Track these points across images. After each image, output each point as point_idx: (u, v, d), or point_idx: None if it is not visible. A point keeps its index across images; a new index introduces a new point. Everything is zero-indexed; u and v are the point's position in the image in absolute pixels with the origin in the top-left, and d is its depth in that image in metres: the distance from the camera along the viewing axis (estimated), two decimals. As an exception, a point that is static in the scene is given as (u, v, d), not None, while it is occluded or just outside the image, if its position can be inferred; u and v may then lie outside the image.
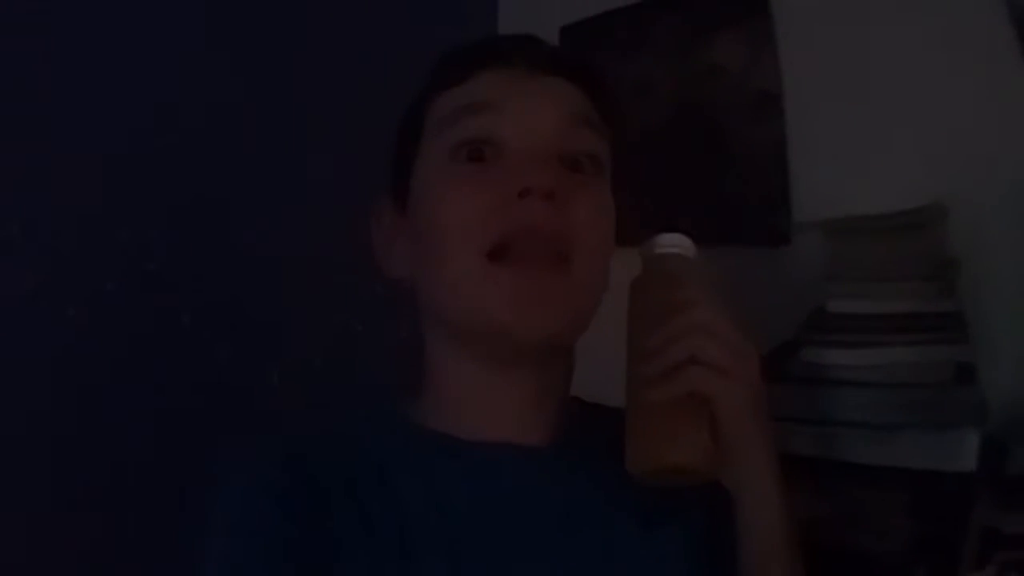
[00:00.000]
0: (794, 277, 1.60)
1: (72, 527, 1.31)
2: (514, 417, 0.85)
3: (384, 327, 1.65)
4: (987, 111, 1.45)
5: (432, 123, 0.85)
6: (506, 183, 0.78)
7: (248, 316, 1.58)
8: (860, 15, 1.57)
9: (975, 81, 1.46)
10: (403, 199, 0.89)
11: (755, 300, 1.63)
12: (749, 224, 1.69)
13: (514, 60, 0.84)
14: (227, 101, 1.56)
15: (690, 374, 0.73)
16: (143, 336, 1.44)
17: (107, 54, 1.41)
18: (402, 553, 0.76)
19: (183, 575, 0.81)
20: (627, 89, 1.80)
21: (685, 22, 1.76)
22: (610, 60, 1.81)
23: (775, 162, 1.66)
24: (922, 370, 1.32)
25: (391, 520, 0.78)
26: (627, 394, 0.78)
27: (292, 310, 1.63)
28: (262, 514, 0.76)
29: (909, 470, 1.25)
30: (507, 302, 0.77)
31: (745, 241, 1.67)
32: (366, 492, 0.79)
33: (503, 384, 0.85)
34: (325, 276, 1.66)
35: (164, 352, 1.47)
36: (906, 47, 1.53)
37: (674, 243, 0.82)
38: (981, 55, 1.46)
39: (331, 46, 1.73)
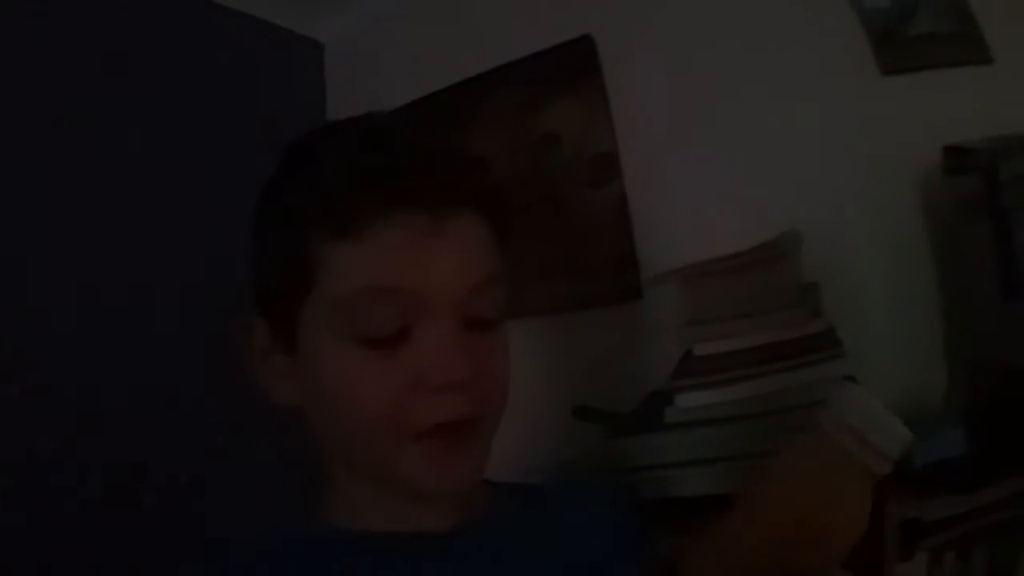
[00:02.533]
0: (653, 329, 1.60)
1: None
2: (426, 513, 0.84)
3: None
4: (833, 136, 1.58)
5: (329, 283, 0.76)
6: (423, 373, 0.75)
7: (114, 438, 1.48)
8: (695, 62, 1.68)
9: (821, 107, 1.59)
10: (286, 341, 0.80)
11: (618, 356, 1.64)
12: (601, 285, 1.71)
13: (418, 203, 0.75)
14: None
15: None
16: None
17: None
18: None
19: None
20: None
21: (517, 93, 1.81)
22: (446, 138, 1.79)
23: (618, 221, 1.71)
24: (803, 392, 1.36)
25: None
26: None
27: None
28: None
29: None
30: (426, 473, 0.76)
31: (599, 303, 1.68)
32: None
33: (412, 504, 0.83)
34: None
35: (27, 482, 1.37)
36: (744, 85, 1.64)
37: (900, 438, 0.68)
38: (822, 82, 1.59)
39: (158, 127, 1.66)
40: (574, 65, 1.76)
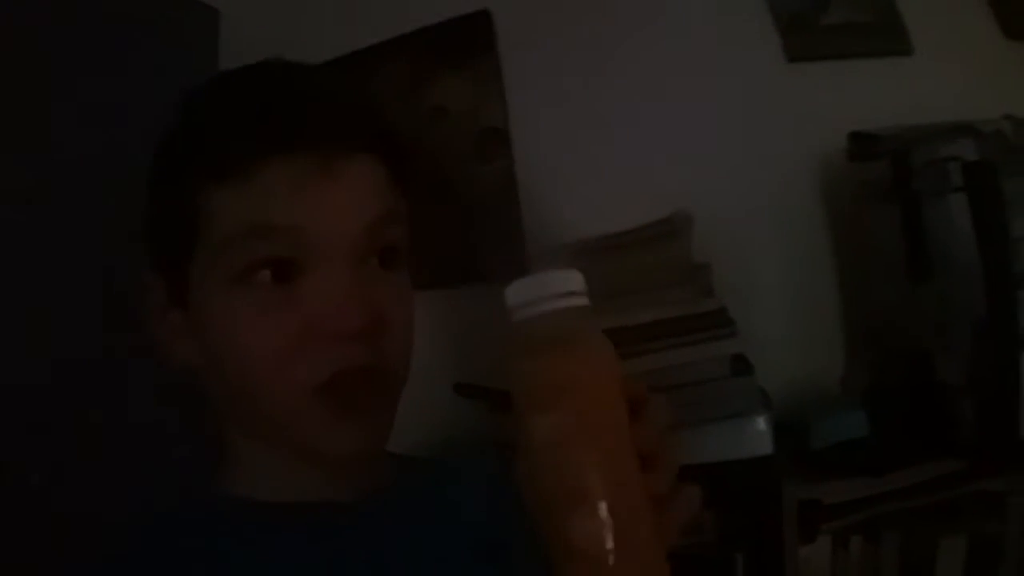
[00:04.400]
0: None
1: None
2: (325, 482, 0.78)
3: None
4: (733, 119, 1.56)
5: (212, 228, 0.72)
6: (314, 321, 0.70)
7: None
8: (595, 40, 1.64)
9: (722, 89, 1.57)
10: (181, 297, 0.76)
11: (501, 334, 1.56)
12: (486, 261, 1.66)
13: (303, 143, 0.71)
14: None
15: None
16: None
17: None
18: None
19: None
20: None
21: (407, 66, 1.73)
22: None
23: (505, 198, 1.66)
24: (696, 368, 1.34)
25: None
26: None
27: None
28: None
29: (705, 465, 1.23)
30: (322, 433, 0.71)
31: (485, 278, 1.60)
32: None
33: (311, 471, 0.78)
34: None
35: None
36: (645, 65, 1.60)
37: (569, 286, 0.57)
38: (726, 63, 1.58)
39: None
40: (469, 39, 1.70)
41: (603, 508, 0.51)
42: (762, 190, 1.53)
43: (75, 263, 1.50)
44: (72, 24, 1.60)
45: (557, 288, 0.56)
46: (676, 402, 1.21)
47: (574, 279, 0.57)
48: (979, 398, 1.20)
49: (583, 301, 0.57)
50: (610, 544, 0.51)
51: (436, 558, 0.78)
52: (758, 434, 1.29)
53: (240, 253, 0.70)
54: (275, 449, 0.76)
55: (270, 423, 0.73)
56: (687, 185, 1.53)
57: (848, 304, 1.51)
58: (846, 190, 1.48)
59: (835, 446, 1.32)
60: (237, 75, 0.76)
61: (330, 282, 0.70)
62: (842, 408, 1.37)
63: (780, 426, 1.32)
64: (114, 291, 1.38)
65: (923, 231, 1.28)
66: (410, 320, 0.77)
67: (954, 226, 1.21)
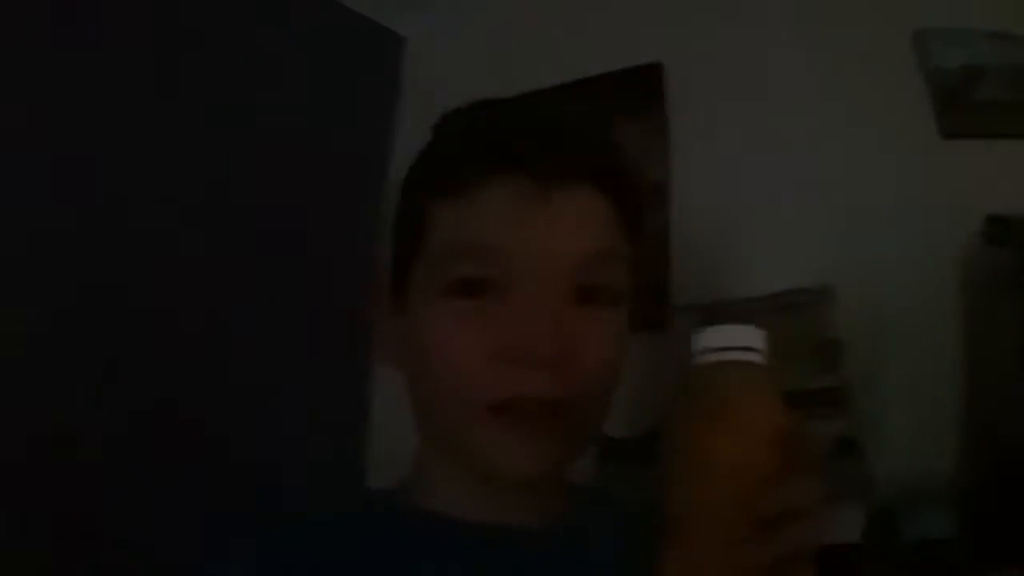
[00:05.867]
0: (673, 361, 1.59)
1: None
2: (506, 504, 0.78)
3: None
4: (885, 194, 1.55)
5: (431, 241, 0.75)
6: (508, 338, 0.70)
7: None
8: (760, 103, 1.67)
9: (876, 163, 1.57)
10: (402, 302, 0.79)
11: (634, 384, 1.64)
12: (631, 311, 1.69)
13: (527, 167, 0.71)
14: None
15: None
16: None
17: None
18: None
19: None
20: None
21: (586, 108, 1.81)
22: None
23: (657, 251, 1.70)
24: None
25: None
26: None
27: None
28: None
29: None
30: (496, 452, 0.72)
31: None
32: None
33: (492, 491, 0.78)
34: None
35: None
36: (805, 133, 1.63)
37: (749, 341, 0.59)
38: (881, 138, 1.58)
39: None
40: (640, 90, 1.78)
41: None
42: (906, 270, 1.51)
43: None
44: (259, 49, 1.78)
45: (735, 341, 0.58)
46: None
47: (754, 336, 0.59)
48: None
49: (757, 358, 0.58)
50: None
51: None
52: (849, 521, 1.30)
53: (449, 267, 0.72)
54: (452, 460, 0.78)
55: (447, 435, 0.76)
56: (833, 257, 1.55)
57: (972, 397, 1.47)
58: (984, 276, 1.45)
59: (925, 542, 1.31)
60: (487, 103, 0.80)
61: (527, 307, 0.70)
62: (936, 504, 1.35)
63: (879, 515, 1.32)
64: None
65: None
66: (613, 360, 0.76)
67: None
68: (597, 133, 0.82)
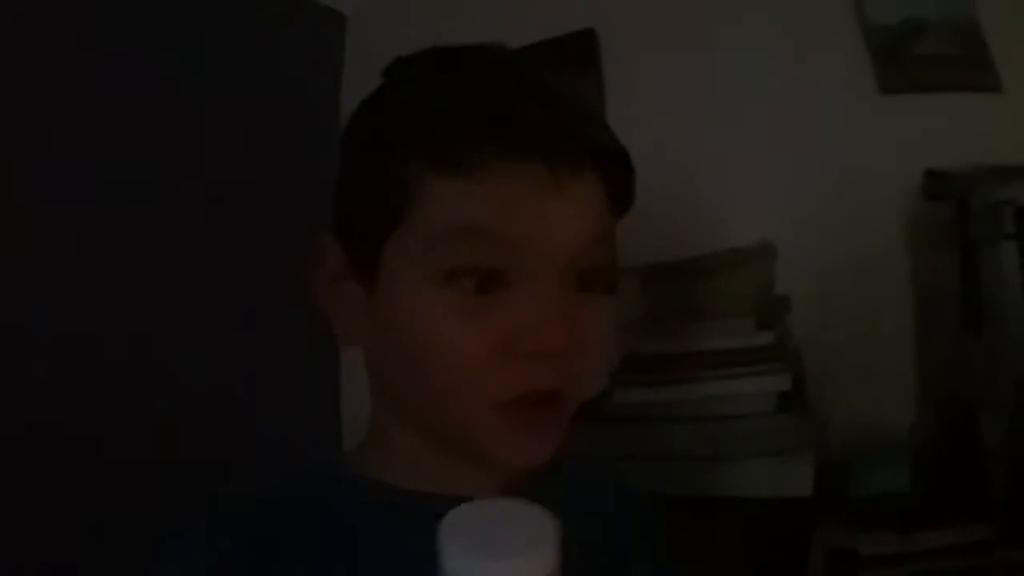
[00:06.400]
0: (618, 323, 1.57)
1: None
2: (466, 478, 0.74)
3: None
4: (824, 150, 1.54)
5: (423, 217, 0.68)
6: (514, 335, 0.67)
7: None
8: (695, 64, 1.65)
9: (817, 119, 1.55)
10: (368, 277, 0.73)
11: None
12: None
13: (538, 153, 0.66)
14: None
15: None
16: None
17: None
18: None
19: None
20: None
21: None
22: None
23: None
24: (740, 401, 1.33)
25: None
26: None
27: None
28: None
29: (741, 500, 1.25)
30: (502, 444, 0.69)
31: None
32: (320, 562, 0.70)
33: (457, 466, 0.74)
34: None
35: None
36: (741, 91, 1.60)
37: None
38: (830, 93, 1.55)
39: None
40: (574, 57, 1.74)
41: None
42: (845, 225, 1.49)
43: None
44: (201, 27, 1.74)
45: None
46: (712, 433, 1.24)
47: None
48: (1013, 463, 1.14)
49: None
50: None
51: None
52: (798, 475, 1.27)
53: (451, 253, 0.67)
54: (428, 442, 0.75)
55: (439, 424, 0.72)
56: (778, 213, 1.53)
57: (921, 351, 1.44)
58: (924, 230, 1.43)
59: (878, 496, 1.27)
60: (469, 56, 0.73)
61: (538, 299, 0.67)
62: (891, 459, 1.32)
63: (832, 468, 1.29)
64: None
65: (978, 280, 1.22)
66: (600, 345, 0.74)
67: (1004, 276, 1.16)
68: (597, 113, 0.77)
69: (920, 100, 1.50)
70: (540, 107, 0.68)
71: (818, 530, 1.23)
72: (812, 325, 1.46)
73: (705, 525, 1.26)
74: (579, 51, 1.74)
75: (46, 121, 1.43)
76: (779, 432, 1.29)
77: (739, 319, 1.38)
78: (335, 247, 0.74)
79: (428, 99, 0.70)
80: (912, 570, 1.21)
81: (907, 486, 1.29)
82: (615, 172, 0.72)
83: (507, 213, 0.66)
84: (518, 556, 0.48)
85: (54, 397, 1.41)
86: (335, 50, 2.05)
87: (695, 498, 1.29)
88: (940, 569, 1.20)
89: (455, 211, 0.66)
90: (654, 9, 1.71)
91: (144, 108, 1.61)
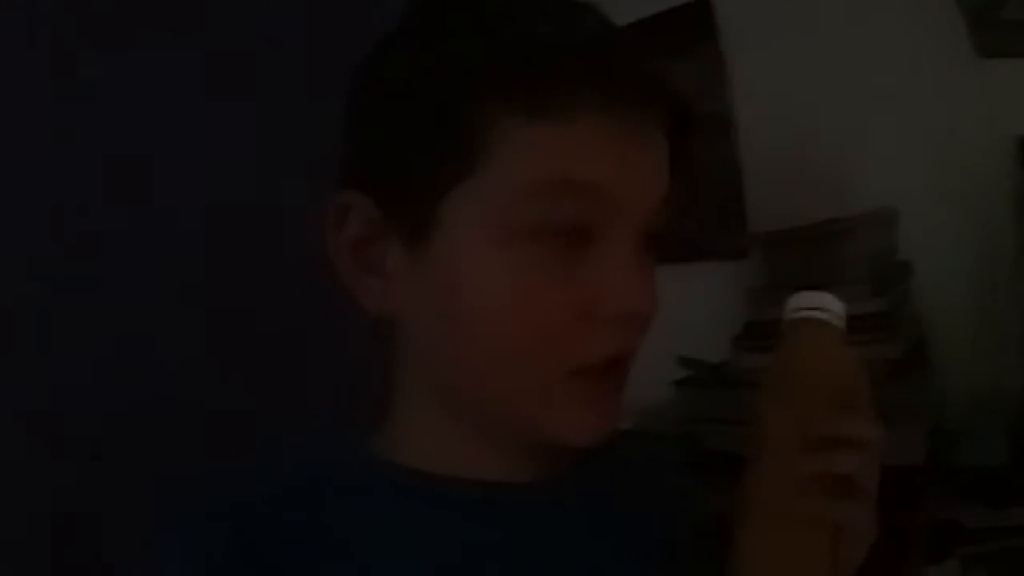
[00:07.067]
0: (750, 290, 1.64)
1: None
2: (501, 462, 0.70)
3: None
4: (937, 116, 1.51)
5: (507, 168, 0.60)
6: (599, 297, 0.62)
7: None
8: (807, 29, 1.65)
9: (930, 85, 1.53)
10: (420, 235, 0.64)
11: (720, 311, 1.69)
12: (710, 241, 1.77)
13: (623, 99, 0.60)
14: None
15: (846, 506, 0.61)
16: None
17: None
18: None
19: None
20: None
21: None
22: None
23: (730, 181, 1.74)
24: None
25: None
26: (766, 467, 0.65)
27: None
28: None
29: None
30: (575, 418, 0.65)
31: (706, 256, 1.74)
32: (324, 557, 0.64)
33: (490, 449, 0.70)
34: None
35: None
36: (853, 56, 1.60)
37: (829, 305, 0.68)
38: (930, 59, 1.53)
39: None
40: (691, 28, 1.77)
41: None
42: (952, 191, 1.49)
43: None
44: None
45: (818, 303, 0.66)
46: None
47: (833, 303, 0.67)
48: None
49: (834, 319, 0.66)
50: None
51: (602, 556, 0.71)
52: (909, 444, 1.28)
53: (538, 206, 0.60)
54: (460, 423, 0.69)
55: (504, 402, 0.65)
56: (894, 180, 1.54)
57: None
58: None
59: (979, 468, 1.28)
60: None
61: (622, 257, 0.62)
62: (993, 430, 1.31)
63: (941, 438, 1.30)
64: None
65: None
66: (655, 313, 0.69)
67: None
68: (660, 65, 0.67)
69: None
70: (631, 53, 0.63)
71: (924, 500, 1.25)
72: (935, 291, 1.48)
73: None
74: (694, 22, 1.77)
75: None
76: (889, 400, 1.28)
77: (853, 286, 1.39)
78: (364, 204, 0.66)
79: (508, 33, 0.61)
80: (1008, 546, 1.21)
81: (999, 460, 1.28)
82: (681, 133, 0.69)
83: (603, 165, 0.61)
84: None
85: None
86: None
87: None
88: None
89: (550, 161, 0.60)
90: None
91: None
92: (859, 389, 0.63)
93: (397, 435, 0.72)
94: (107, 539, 1.38)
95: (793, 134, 1.65)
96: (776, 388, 0.67)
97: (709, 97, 1.75)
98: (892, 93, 1.54)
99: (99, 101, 1.47)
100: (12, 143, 1.36)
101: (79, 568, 1.37)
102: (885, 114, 1.55)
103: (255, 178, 1.61)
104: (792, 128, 1.66)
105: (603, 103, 0.59)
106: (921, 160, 1.51)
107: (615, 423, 0.67)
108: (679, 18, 1.79)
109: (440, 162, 0.62)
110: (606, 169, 0.60)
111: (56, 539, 1.38)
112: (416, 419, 0.71)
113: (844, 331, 0.66)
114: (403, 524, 0.65)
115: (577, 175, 0.60)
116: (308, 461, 0.72)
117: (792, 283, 1.45)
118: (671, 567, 0.74)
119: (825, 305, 0.67)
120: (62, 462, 1.38)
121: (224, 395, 1.49)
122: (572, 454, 0.69)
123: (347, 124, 0.69)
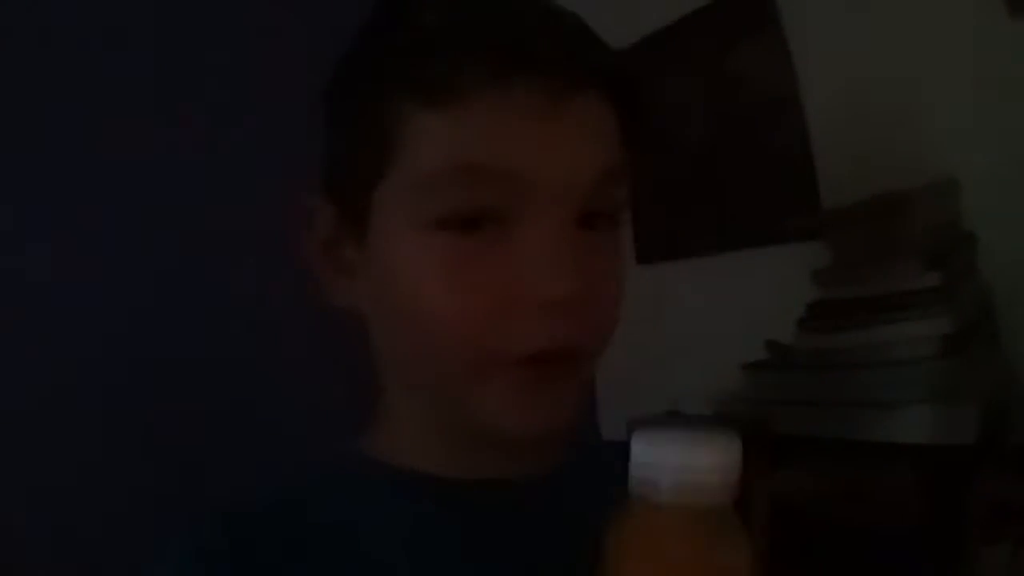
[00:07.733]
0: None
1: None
2: (487, 458, 0.69)
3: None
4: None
5: (410, 157, 0.60)
6: (519, 283, 0.59)
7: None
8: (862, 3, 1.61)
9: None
10: (358, 229, 0.65)
11: (794, 294, 1.67)
12: (782, 224, 1.74)
13: (539, 71, 0.58)
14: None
15: None
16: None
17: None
18: None
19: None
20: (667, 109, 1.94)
21: (712, 38, 1.85)
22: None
23: (801, 161, 1.70)
24: (904, 346, 1.32)
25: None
26: None
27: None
28: None
29: (913, 446, 1.25)
30: (508, 412, 0.62)
31: (778, 239, 1.72)
32: (320, 558, 0.64)
33: (472, 444, 0.68)
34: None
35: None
36: (905, 30, 1.55)
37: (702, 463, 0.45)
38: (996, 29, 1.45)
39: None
40: (752, 13, 1.76)
41: None
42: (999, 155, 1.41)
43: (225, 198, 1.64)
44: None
45: (685, 462, 0.44)
46: (882, 380, 1.29)
47: (702, 455, 0.44)
48: None
49: (714, 493, 0.44)
50: None
51: (557, 559, 0.66)
52: (960, 421, 1.23)
53: (443, 195, 0.59)
54: (439, 416, 0.68)
55: (444, 391, 0.64)
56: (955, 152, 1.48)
57: None
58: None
59: None
60: None
61: (544, 240, 0.59)
62: None
63: (994, 416, 1.24)
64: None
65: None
66: (618, 295, 0.66)
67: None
68: (594, 32, 0.66)
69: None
70: (528, 25, 0.61)
71: (977, 480, 1.19)
72: (1006, 263, 1.41)
73: (874, 472, 1.28)
74: (753, 7, 1.76)
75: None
76: (941, 377, 1.26)
77: (907, 260, 1.36)
78: (326, 208, 0.68)
79: (405, 27, 0.62)
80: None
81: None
82: (624, 96, 0.66)
83: (501, 144, 0.58)
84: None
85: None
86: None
87: (866, 443, 1.31)
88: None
89: (443, 148, 0.59)
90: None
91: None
92: None
93: (383, 433, 0.73)
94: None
95: (860, 112, 1.61)
96: None
97: (775, 80, 1.73)
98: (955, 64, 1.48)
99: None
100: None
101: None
102: (949, 86, 1.49)
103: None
104: (859, 106, 1.61)
105: (497, 79, 0.57)
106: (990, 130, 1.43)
107: (557, 419, 0.63)
108: (740, 3, 1.78)
109: (365, 158, 0.63)
110: (513, 149, 0.58)
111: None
112: (396, 416, 0.72)
113: (718, 505, 0.45)
114: (381, 522, 0.66)
115: (477, 159, 0.58)
116: (304, 463, 0.72)
117: (853, 262, 1.45)
118: None
119: (700, 465, 0.44)
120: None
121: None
122: (547, 454, 0.70)
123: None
